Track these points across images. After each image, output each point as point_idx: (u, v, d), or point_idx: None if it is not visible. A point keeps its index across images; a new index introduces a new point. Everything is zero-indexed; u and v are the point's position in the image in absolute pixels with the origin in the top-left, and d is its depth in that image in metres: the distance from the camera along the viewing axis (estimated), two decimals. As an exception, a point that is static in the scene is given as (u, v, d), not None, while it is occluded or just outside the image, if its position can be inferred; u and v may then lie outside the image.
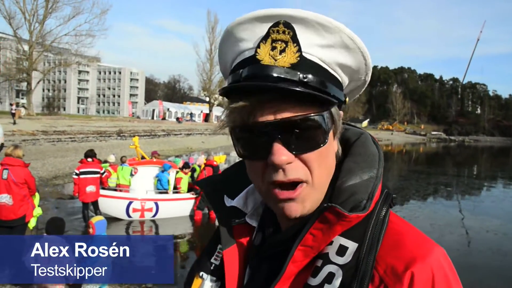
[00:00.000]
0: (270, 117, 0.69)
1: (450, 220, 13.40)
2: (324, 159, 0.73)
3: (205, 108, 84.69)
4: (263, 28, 0.71)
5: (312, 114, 0.70)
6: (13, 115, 31.57)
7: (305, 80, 0.68)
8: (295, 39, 0.69)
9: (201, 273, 0.90)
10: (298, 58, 0.69)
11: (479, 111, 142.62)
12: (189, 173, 11.84)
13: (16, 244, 6.21)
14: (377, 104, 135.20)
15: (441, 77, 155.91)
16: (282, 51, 0.69)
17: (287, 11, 0.69)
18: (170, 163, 12.05)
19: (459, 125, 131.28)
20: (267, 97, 0.69)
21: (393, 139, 78.77)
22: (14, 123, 29.94)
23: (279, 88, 0.67)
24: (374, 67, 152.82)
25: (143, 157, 12.48)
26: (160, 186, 11.32)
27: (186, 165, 11.95)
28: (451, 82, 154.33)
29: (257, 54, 0.70)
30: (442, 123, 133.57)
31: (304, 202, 0.73)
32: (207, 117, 79.65)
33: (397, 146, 61.79)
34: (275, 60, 0.69)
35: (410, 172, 27.71)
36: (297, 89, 0.67)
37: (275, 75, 0.68)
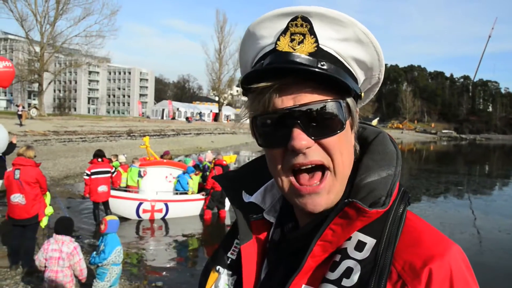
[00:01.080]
0: (290, 103, 0.72)
1: (461, 219, 13.27)
2: (343, 147, 0.75)
3: (214, 108, 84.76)
4: (282, 24, 0.75)
5: (329, 100, 0.73)
6: (20, 116, 30.36)
7: (323, 67, 0.72)
8: (312, 32, 0.73)
9: (217, 267, 0.92)
10: (316, 48, 0.73)
11: (490, 109, 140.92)
12: (200, 174, 11.87)
13: (29, 243, 6.31)
14: (387, 103, 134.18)
15: (451, 75, 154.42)
16: (301, 42, 0.73)
17: (304, 8, 0.74)
18: (181, 164, 12.08)
19: (470, 123, 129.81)
20: (288, 81, 0.72)
21: (403, 137, 78.15)
22: (21, 124, 28.79)
23: (300, 69, 0.71)
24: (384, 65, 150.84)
25: (160, 157, 12.51)
26: (180, 187, 11.35)
27: (196, 167, 11.97)
28: (462, 80, 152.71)
29: (277, 45, 0.74)
30: (452, 121, 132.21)
31: (329, 193, 0.75)
32: (216, 117, 79.73)
33: (407, 145, 61.26)
34: (294, 49, 0.73)
35: (421, 171, 27.47)
36: (317, 69, 0.70)
37: (295, 60, 0.72)
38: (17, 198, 6.14)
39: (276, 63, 0.73)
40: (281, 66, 0.72)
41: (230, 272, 0.90)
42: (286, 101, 0.72)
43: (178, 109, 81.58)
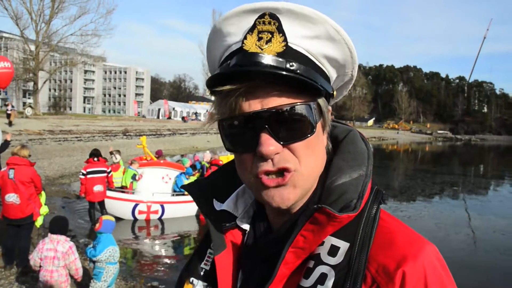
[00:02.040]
0: (257, 107, 0.69)
1: (456, 219, 13.32)
2: (313, 150, 0.73)
3: (210, 108, 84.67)
4: (249, 21, 0.71)
5: (299, 103, 0.70)
6: (9, 116, 27.79)
7: (292, 68, 0.68)
8: (280, 30, 0.69)
9: (191, 279, 0.88)
10: (284, 48, 0.69)
11: (485, 109, 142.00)
12: (197, 174, 11.83)
13: (23, 243, 6.27)
14: (383, 103, 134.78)
15: (447, 76, 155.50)
16: (268, 41, 0.69)
17: (272, 3, 0.70)
18: (178, 164, 12.04)
19: (465, 124, 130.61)
20: (254, 84, 0.68)
21: (399, 138, 78.51)
22: (10, 124, 26.23)
23: (267, 73, 0.67)
24: (380, 66, 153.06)
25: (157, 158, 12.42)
26: (176, 188, 11.32)
27: (193, 167, 11.94)
28: (457, 80, 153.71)
29: (244, 45, 0.71)
30: (448, 122, 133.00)
31: (295, 187, 0.71)
32: (212, 116, 79.59)
33: (403, 145, 61.51)
34: (262, 49, 0.69)
35: (416, 171, 27.57)
36: (284, 73, 0.67)
37: (262, 62, 0.68)
38: (11, 197, 6.10)
39: (243, 64, 0.70)
40: (247, 69, 0.69)
41: (205, 284, 0.87)
42: (253, 105, 0.69)
43: (174, 108, 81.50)
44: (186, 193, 10.93)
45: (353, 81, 0.86)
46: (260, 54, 0.69)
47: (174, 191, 11.40)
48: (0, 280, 5.86)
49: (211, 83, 0.72)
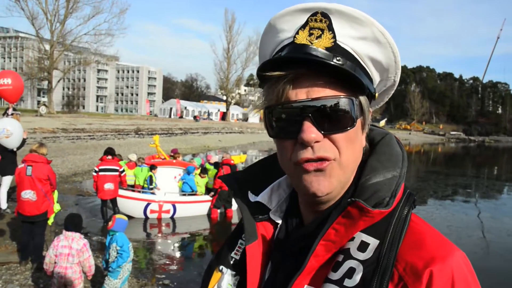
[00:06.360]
0: (303, 96, 0.73)
1: (468, 222, 13.17)
2: (351, 144, 0.75)
3: (222, 107, 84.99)
4: (302, 19, 0.76)
5: (342, 96, 0.73)
6: None
7: (339, 62, 0.72)
8: (330, 28, 0.74)
9: (220, 267, 0.91)
10: (333, 44, 0.74)
11: (500, 110, 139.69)
12: (206, 178, 11.87)
13: (38, 239, 6.37)
14: (395, 104, 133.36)
15: (460, 76, 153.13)
16: (319, 37, 0.74)
17: (324, 4, 0.76)
18: (190, 164, 12.10)
19: (479, 125, 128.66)
20: (302, 71, 0.72)
21: (411, 139, 77.65)
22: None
23: (315, 61, 0.71)
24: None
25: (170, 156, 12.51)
26: (188, 188, 11.40)
27: (203, 170, 11.98)
28: (471, 81, 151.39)
29: (295, 38, 0.76)
30: (461, 123, 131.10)
31: (331, 177, 0.74)
32: (224, 116, 79.91)
33: (415, 146, 60.88)
34: (312, 43, 0.74)
35: (428, 173, 27.29)
36: (332, 62, 0.71)
37: (311, 52, 0.73)
38: (28, 194, 6.20)
39: (293, 54, 0.75)
40: (296, 56, 0.73)
41: (234, 272, 0.89)
42: (299, 94, 0.73)
43: (186, 108, 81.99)
44: (198, 193, 11.12)
45: (395, 87, 0.89)
46: (310, 46, 0.73)
47: (183, 191, 11.46)
48: (16, 275, 5.97)
49: (261, 70, 0.76)
